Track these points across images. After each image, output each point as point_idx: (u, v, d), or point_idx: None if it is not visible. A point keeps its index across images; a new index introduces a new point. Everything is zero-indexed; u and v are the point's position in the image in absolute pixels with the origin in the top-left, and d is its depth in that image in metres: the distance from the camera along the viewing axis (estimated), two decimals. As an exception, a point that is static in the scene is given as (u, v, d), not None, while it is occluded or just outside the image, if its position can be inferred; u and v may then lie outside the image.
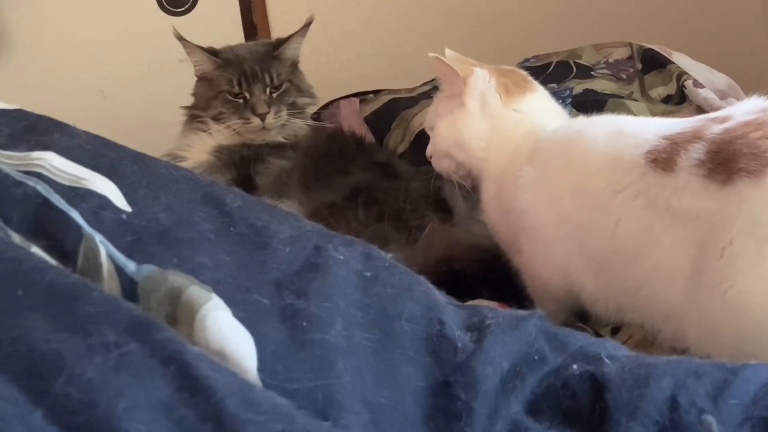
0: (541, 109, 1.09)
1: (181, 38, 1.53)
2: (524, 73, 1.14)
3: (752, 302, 0.75)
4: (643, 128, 0.89)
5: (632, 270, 0.86)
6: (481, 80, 1.08)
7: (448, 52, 1.16)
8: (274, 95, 1.53)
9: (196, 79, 1.59)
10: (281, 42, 1.57)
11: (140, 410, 0.40)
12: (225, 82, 1.52)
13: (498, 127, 1.07)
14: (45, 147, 0.59)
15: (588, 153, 0.92)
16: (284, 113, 1.54)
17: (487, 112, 1.07)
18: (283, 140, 1.56)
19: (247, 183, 1.45)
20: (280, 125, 1.55)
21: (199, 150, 1.55)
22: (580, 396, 0.58)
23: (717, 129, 0.81)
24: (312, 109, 1.65)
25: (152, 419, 0.40)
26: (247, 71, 1.51)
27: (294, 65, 1.61)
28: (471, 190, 1.15)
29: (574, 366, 0.59)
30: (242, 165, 1.51)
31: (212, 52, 1.55)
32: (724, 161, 0.78)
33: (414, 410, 0.55)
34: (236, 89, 1.51)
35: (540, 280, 1.02)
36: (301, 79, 1.63)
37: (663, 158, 0.83)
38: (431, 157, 1.16)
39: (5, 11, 2.15)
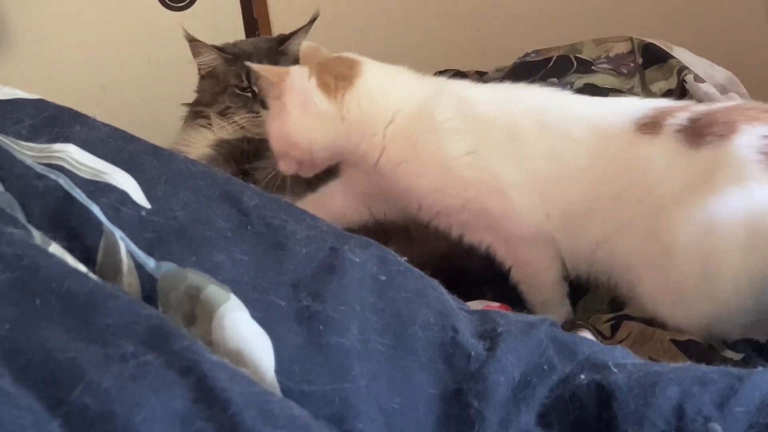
0: (385, 83, 1.09)
1: (192, 39, 1.52)
2: (351, 57, 1.13)
3: (693, 254, 0.83)
4: (623, 103, 0.99)
5: (605, 224, 0.92)
6: (299, 79, 1.08)
7: (304, 44, 1.19)
8: None
9: (200, 77, 1.58)
10: (286, 38, 1.57)
11: (158, 422, 0.40)
12: (233, 77, 1.51)
13: (345, 118, 1.06)
14: (66, 139, 0.59)
15: (570, 121, 0.96)
16: None
17: (314, 109, 1.06)
18: (286, 135, 1.56)
19: (245, 178, 1.45)
20: None
21: (199, 144, 1.54)
22: (587, 406, 0.58)
23: (701, 107, 0.91)
24: None
25: (169, 431, 0.40)
26: None
27: (297, 61, 1.60)
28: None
29: (582, 376, 0.60)
30: (241, 159, 1.51)
31: (219, 48, 1.55)
32: (701, 127, 0.85)
33: (426, 417, 0.56)
34: (245, 83, 1.51)
35: (525, 227, 1.01)
36: None
37: (651, 123, 0.89)
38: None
39: (6, 6, 2.14)
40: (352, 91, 1.06)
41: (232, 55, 1.53)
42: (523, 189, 0.98)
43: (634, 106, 0.94)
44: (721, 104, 0.92)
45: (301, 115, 1.07)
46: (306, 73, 1.08)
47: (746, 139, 0.82)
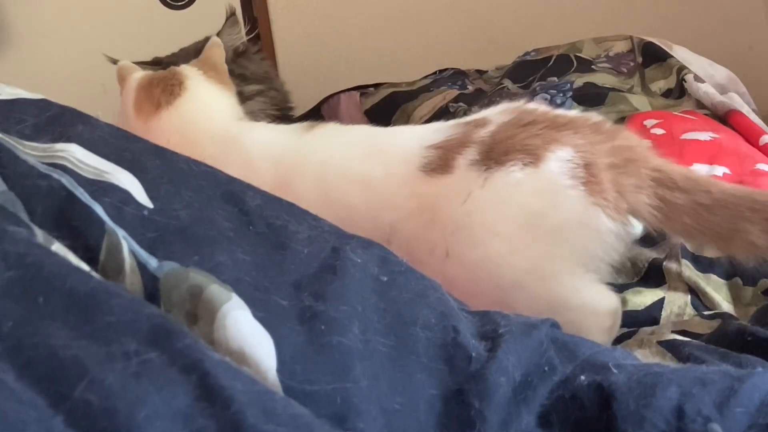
0: (196, 110, 1.08)
1: (115, 61, 1.53)
2: (186, 73, 1.12)
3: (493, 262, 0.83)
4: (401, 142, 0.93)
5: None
6: (130, 86, 1.09)
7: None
8: None
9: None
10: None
11: (160, 419, 0.40)
12: None
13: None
14: (69, 139, 0.59)
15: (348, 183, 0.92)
16: None
17: (128, 122, 1.07)
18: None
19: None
20: None
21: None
22: (588, 406, 0.58)
23: (483, 132, 0.88)
24: (278, 93, 1.62)
25: (172, 429, 0.40)
26: None
27: (237, 53, 1.56)
28: None
29: (582, 377, 0.60)
30: None
31: (155, 62, 1.54)
32: (496, 156, 0.84)
33: (427, 417, 0.56)
34: None
35: None
36: (246, 66, 1.56)
37: (439, 164, 0.87)
38: None
39: (7, 5, 2.14)
40: (162, 115, 1.05)
41: (163, 65, 1.53)
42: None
43: (415, 147, 0.90)
44: (502, 125, 0.88)
45: (122, 121, 1.07)
46: (136, 82, 1.08)
47: (554, 165, 0.82)
